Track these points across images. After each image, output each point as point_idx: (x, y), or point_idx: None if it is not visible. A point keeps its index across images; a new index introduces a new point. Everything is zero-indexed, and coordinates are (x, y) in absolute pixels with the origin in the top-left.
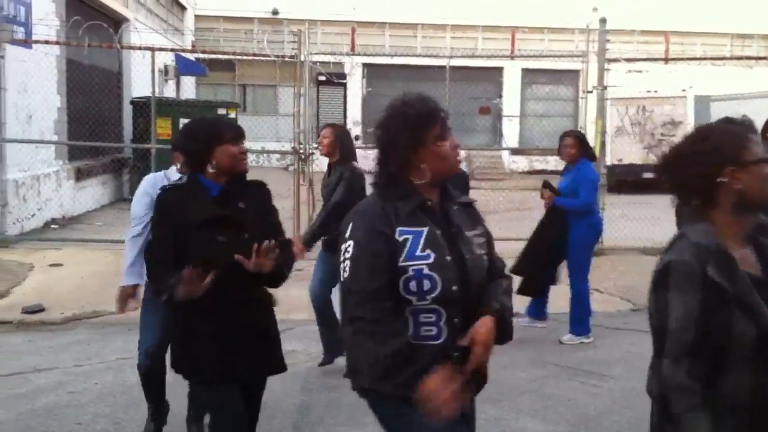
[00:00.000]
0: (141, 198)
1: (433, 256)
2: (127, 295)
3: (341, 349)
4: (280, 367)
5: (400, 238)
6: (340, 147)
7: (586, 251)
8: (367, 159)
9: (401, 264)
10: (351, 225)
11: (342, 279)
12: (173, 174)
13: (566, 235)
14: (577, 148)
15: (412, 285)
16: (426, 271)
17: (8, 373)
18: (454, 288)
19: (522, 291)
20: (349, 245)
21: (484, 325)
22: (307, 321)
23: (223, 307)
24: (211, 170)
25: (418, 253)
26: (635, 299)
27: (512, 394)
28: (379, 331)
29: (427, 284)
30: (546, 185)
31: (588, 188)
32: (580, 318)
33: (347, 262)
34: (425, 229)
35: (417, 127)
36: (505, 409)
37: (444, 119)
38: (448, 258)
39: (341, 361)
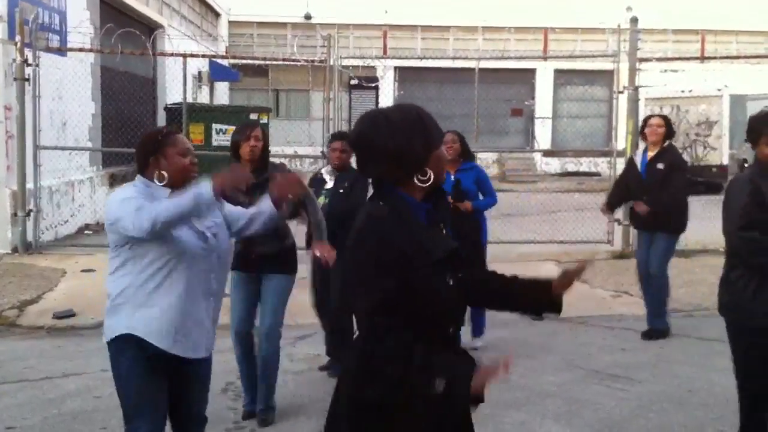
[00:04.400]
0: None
1: None
2: None
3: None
4: None
5: None
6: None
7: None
8: None
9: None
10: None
11: None
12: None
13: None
14: (459, 144)
15: None
16: None
17: (37, 377)
18: None
19: None
20: None
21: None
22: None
23: None
24: (420, 183)
25: None
26: None
27: (537, 398)
28: None
29: None
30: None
31: (490, 184)
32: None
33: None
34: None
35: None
36: (530, 413)
37: None
38: None
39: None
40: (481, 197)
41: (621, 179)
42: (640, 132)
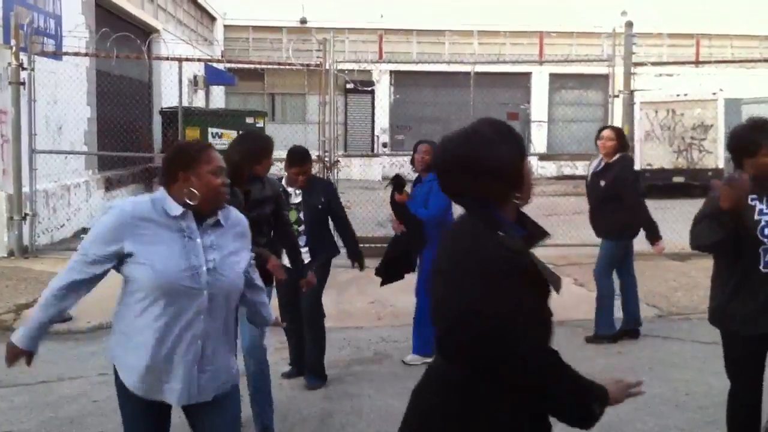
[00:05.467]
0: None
1: None
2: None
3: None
4: None
5: None
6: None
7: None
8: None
9: None
10: None
11: None
12: (168, 202)
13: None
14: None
15: None
16: None
17: (34, 381)
18: None
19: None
20: None
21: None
22: (327, 329)
23: None
24: (517, 200)
25: None
26: (661, 305)
27: None
28: None
29: None
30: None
31: (439, 199)
32: (428, 337)
33: None
34: None
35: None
36: None
37: None
38: None
39: (366, 369)
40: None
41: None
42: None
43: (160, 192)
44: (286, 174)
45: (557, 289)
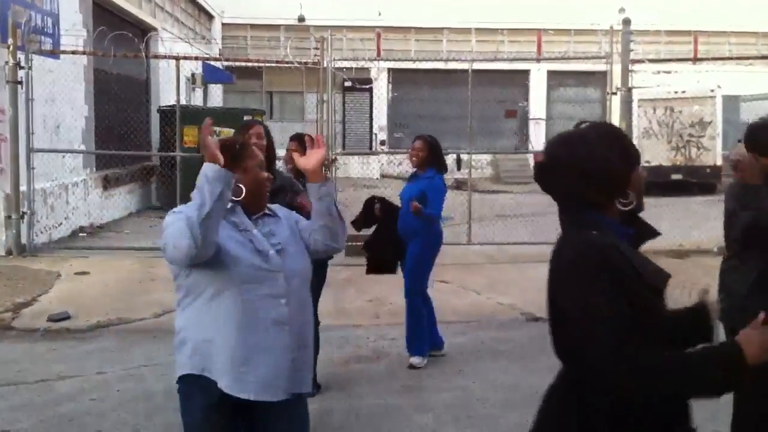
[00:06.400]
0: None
1: None
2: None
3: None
4: None
5: None
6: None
7: (424, 266)
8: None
9: None
10: None
11: None
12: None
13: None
14: (428, 153)
15: None
16: None
17: (33, 380)
18: None
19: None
20: None
21: None
22: (325, 327)
23: None
24: (622, 206)
25: None
26: None
27: (533, 399)
28: None
29: None
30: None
31: (440, 195)
32: (422, 335)
33: None
34: None
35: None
36: (526, 414)
37: None
38: None
39: (364, 367)
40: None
41: None
42: None
43: None
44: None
45: (662, 286)
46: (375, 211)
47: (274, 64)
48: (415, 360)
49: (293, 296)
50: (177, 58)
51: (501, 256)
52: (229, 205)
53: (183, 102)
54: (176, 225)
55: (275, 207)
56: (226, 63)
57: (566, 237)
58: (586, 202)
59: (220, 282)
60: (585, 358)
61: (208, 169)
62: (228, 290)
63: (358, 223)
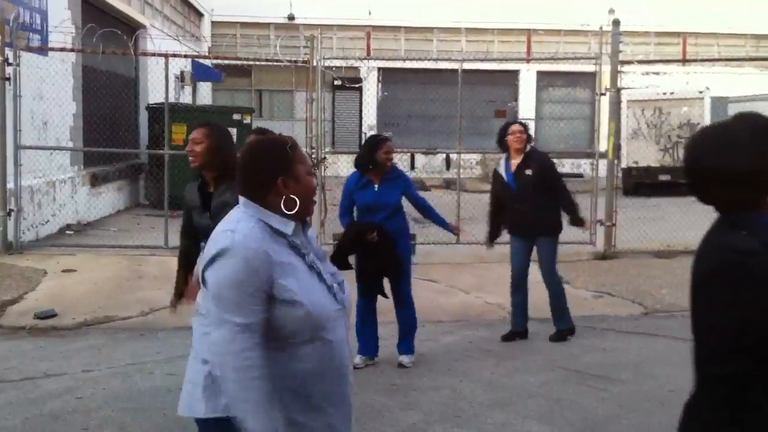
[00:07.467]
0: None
1: None
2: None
3: None
4: None
5: None
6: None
7: (409, 262)
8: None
9: None
10: None
11: None
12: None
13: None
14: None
15: None
16: None
17: (19, 378)
18: None
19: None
20: None
21: None
22: None
23: None
24: None
25: None
26: (646, 303)
27: (520, 398)
28: None
29: None
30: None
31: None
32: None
33: None
34: None
35: None
36: (513, 413)
37: None
38: None
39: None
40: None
41: (494, 203)
42: (500, 141)
43: (252, 210)
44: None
45: None
46: (369, 239)
47: (263, 63)
48: (406, 359)
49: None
50: (166, 56)
51: (489, 255)
52: (293, 226)
53: (172, 100)
54: (227, 343)
55: None
56: (215, 61)
57: (712, 238)
58: (740, 202)
59: (299, 326)
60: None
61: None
62: (307, 335)
63: (343, 252)
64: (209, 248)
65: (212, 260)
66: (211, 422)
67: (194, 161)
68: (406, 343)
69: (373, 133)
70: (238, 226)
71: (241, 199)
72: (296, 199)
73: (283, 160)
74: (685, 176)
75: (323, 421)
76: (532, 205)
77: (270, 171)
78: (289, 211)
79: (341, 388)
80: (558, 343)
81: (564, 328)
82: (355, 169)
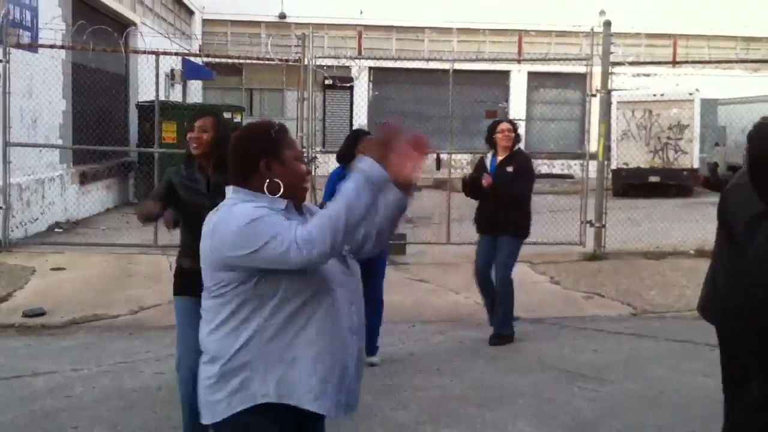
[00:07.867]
0: None
1: None
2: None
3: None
4: None
5: None
6: None
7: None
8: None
9: None
10: None
11: None
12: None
13: None
14: None
15: None
16: None
17: (7, 376)
18: None
19: None
20: None
21: None
22: None
23: None
24: None
25: None
26: (636, 303)
27: (510, 399)
28: None
29: None
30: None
31: None
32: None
33: None
34: None
35: None
36: (503, 413)
37: None
38: None
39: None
40: None
41: (469, 181)
42: (488, 138)
43: (240, 193)
44: None
45: None
46: None
47: (254, 61)
48: (375, 359)
49: (358, 302)
50: (157, 54)
51: None
52: (284, 204)
53: (162, 98)
54: (305, 232)
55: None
56: (205, 59)
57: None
58: None
59: (310, 289)
60: None
61: (380, 173)
62: (319, 298)
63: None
64: (209, 222)
65: (217, 226)
66: (229, 420)
67: (197, 148)
68: (371, 344)
69: None
70: (235, 205)
71: (230, 187)
72: (279, 182)
73: (267, 143)
74: (751, 173)
75: (337, 388)
76: (503, 202)
77: (253, 154)
78: (272, 194)
79: (349, 355)
80: (547, 344)
81: (505, 333)
82: (338, 164)
